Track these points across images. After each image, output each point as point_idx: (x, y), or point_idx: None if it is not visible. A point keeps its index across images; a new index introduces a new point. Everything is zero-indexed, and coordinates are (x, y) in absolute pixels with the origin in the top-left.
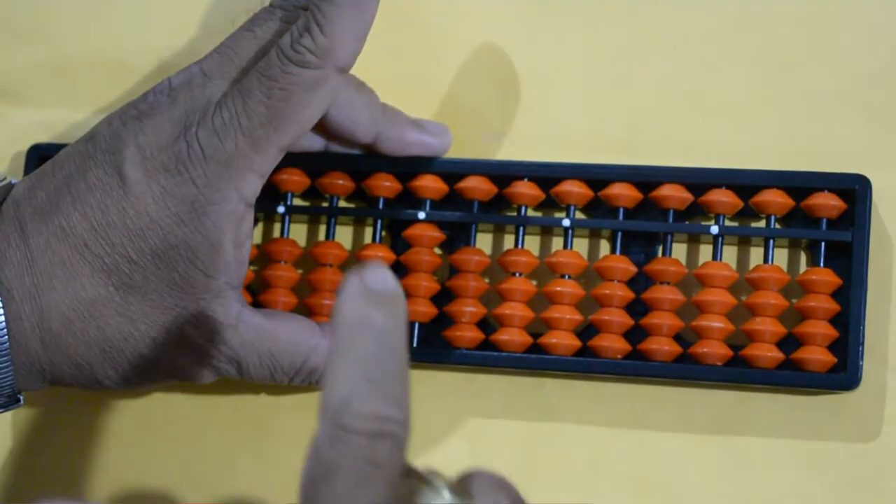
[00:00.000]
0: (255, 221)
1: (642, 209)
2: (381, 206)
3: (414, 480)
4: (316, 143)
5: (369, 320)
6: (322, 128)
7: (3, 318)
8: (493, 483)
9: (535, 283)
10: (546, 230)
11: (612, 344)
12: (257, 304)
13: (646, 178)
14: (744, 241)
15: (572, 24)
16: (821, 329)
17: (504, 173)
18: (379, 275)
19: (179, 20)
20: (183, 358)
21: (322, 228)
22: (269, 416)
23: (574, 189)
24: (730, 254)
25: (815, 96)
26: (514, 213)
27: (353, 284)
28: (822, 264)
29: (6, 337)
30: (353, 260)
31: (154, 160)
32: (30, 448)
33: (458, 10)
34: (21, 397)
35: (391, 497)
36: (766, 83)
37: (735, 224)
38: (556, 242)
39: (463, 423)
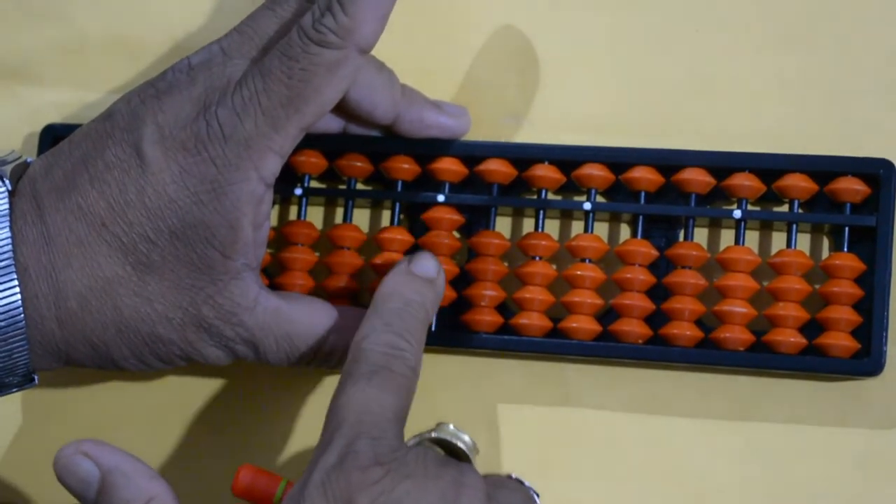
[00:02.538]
0: (273, 203)
1: (664, 193)
2: (399, 188)
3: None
4: (334, 124)
5: (401, 292)
6: (341, 108)
7: (19, 296)
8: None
9: (555, 267)
10: (566, 214)
11: (632, 329)
12: (274, 286)
13: (668, 162)
14: (766, 226)
15: (593, 6)
16: (844, 314)
17: (524, 156)
18: (424, 261)
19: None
20: (199, 339)
21: (339, 211)
22: (285, 399)
23: (595, 172)
24: (752, 238)
25: (838, 79)
26: (535, 197)
27: (400, 266)
28: (845, 249)
29: (22, 315)
30: (371, 243)
31: (173, 139)
32: (43, 428)
33: None
34: (36, 377)
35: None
36: (789, 66)
37: (758, 208)
38: (577, 226)
39: (482, 407)
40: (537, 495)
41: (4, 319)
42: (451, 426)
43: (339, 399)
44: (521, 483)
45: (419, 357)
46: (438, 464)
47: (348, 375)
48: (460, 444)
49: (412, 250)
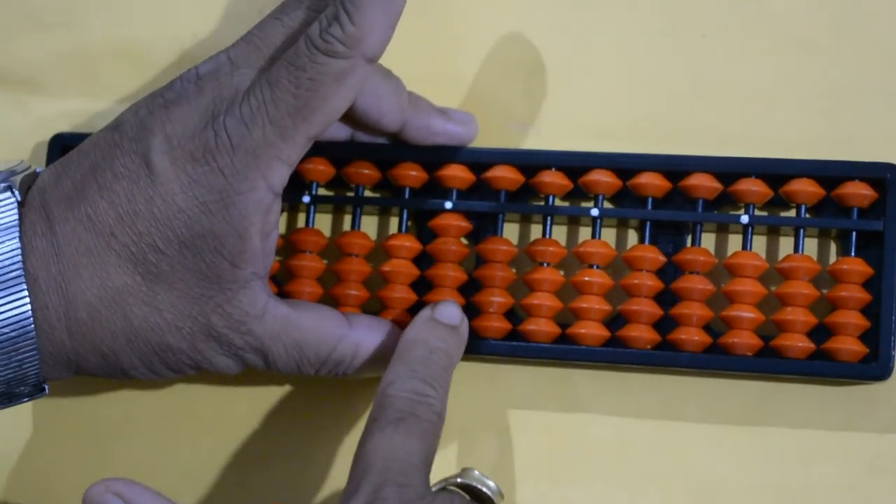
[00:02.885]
0: (281, 211)
1: (671, 199)
2: (407, 195)
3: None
4: (342, 132)
5: (426, 339)
6: (348, 116)
7: (29, 306)
8: None
9: (562, 273)
10: (574, 220)
11: (640, 334)
12: (282, 294)
13: (675, 168)
14: (773, 231)
15: (599, 12)
16: (852, 319)
17: (531, 163)
18: (447, 309)
19: (203, 9)
20: (209, 348)
21: (347, 218)
22: (294, 408)
23: (602, 178)
24: (759, 243)
25: (845, 84)
26: (542, 203)
27: (424, 314)
28: (853, 254)
29: (32, 326)
30: (379, 250)
31: (181, 149)
32: (53, 438)
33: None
34: (46, 387)
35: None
36: (795, 71)
37: (765, 213)
38: (584, 232)
39: (490, 413)
40: None
41: (15, 330)
42: (477, 472)
43: (365, 445)
44: None
45: (444, 403)
46: None
47: (374, 421)
48: (485, 490)
49: (420, 257)
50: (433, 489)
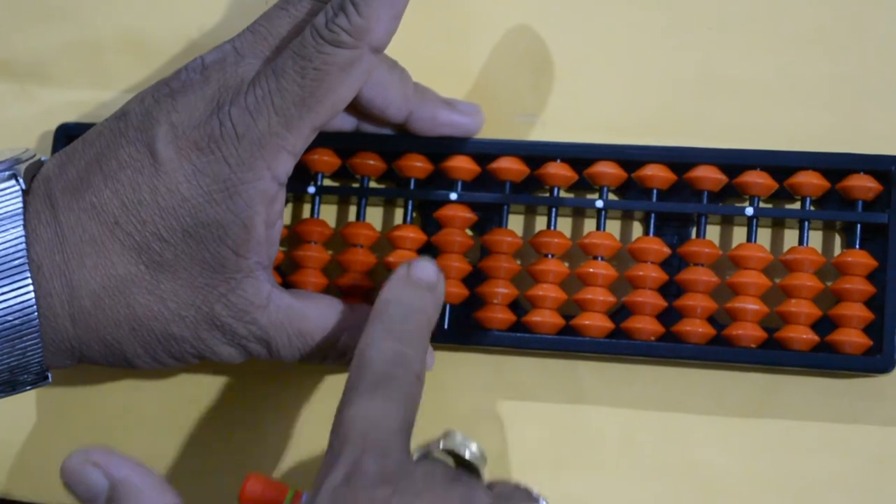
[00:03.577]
0: (286, 201)
1: (676, 191)
2: (412, 186)
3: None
4: (347, 123)
5: (402, 298)
6: (354, 106)
7: (33, 295)
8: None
9: (567, 264)
10: (579, 212)
11: (645, 326)
12: (287, 284)
13: (680, 160)
14: (778, 223)
15: (605, 5)
16: (856, 311)
17: (537, 154)
18: (424, 266)
19: (209, 0)
20: (212, 337)
21: (352, 209)
22: (296, 400)
23: (607, 170)
24: (764, 236)
25: (850, 78)
26: (547, 195)
27: (400, 272)
28: (857, 246)
29: (35, 314)
30: (384, 241)
31: (186, 138)
32: (56, 426)
33: None
34: (49, 375)
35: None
36: (800, 65)
37: (770, 206)
38: (589, 224)
39: (495, 405)
40: (546, 502)
41: (19, 318)
42: (459, 435)
43: (343, 412)
44: (530, 493)
45: (423, 364)
46: (447, 480)
47: (353, 386)
48: (468, 455)
49: (425, 248)
50: (415, 455)
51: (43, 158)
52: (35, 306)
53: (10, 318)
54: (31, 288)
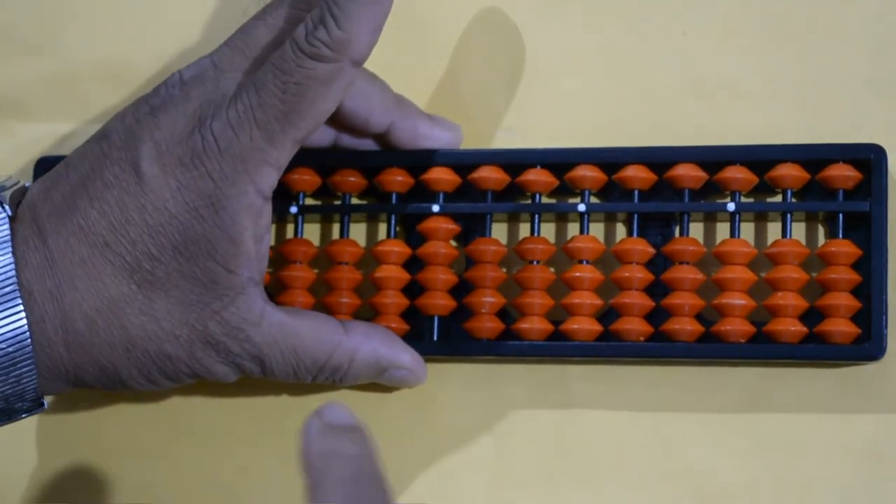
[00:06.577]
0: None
1: (657, 190)
2: (394, 201)
3: None
4: (326, 135)
5: (338, 450)
6: (335, 118)
7: (25, 321)
8: None
9: (553, 270)
10: (561, 216)
11: (633, 327)
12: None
13: (660, 159)
14: (761, 217)
15: (579, 12)
16: (843, 300)
17: (516, 162)
18: (336, 410)
19: (184, 24)
20: (207, 356)
21: (336, 227)
22: (291, 418)
23: (588, 174)
24: (747, 230)
25: (824, 73)
26: (529, 201)
27: (314, 424)
28: (840, 236)
29: (29, 340)
30: (369, 257)
31: (170, 154)
32: (52, 453)
33: (464, 5)
34: (45, 401)
35: None
36: (775, 64)
37: (751, 200)
38: (572, 228)
39: (487, 414)
40: None
41: (12, 345)
42: None
43: None
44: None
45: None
46: None
47: None
48: None
49: (410, 262)
50: None
51: (27, 185)
52: (28, 333)
53: (3, 345)
54: (23, 315)
